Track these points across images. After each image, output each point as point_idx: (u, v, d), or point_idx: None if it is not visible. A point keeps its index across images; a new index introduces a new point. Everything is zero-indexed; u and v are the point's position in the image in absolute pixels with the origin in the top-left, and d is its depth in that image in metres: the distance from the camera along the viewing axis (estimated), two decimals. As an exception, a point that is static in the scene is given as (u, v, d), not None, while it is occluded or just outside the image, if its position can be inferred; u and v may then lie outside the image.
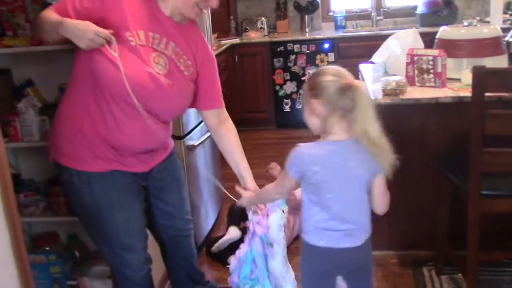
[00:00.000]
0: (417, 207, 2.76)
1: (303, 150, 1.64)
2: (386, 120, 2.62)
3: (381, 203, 1.77)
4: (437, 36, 2.86)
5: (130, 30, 1.68)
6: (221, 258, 2.81)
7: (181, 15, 1.77)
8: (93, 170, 1.75)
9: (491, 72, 1.98)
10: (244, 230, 2.71)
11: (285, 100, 5.46)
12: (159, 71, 1.72)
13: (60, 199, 2.36)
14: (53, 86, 2.38)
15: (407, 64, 2.67)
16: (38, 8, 2.28)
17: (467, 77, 2.38)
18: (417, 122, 2.61)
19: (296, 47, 5.31)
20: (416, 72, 2.64)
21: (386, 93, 2.51)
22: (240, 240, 2.12)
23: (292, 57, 5.34)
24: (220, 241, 2.90)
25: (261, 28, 5.67)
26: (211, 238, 3.11)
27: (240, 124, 5.48)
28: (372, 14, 5.57)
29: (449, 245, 2.49)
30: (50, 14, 1.68)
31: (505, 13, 4.85)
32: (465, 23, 2.78)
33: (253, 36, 5.57)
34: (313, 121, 1.66)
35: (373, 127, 1.61)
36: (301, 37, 5.38)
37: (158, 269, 2.38)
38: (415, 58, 2.62)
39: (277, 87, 5.44)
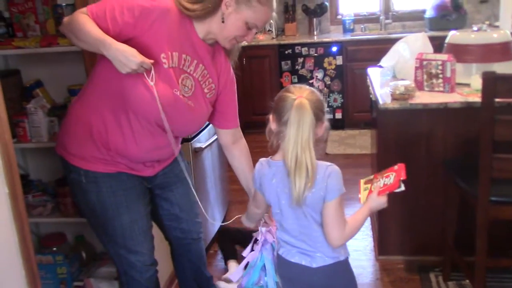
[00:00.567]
0: (424, 212, 2.74)
1: (256, 166, 1.66)
2: (395, 125, 2.65)
3: (332, 235, 1.56)
4: (446, 41, 2.85)
5: (166, 52, 1.66)
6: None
7: (214, 40, 1.77)
8: (100, 171, 1.75)
9: (501, 78, 1.97)
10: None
11: (293, 103, 5.45)
12: (185, 93, 1.73)
13: (67, 200, 2.38)
14: (62, 87, 2.39)
15: (416, 68, 2.66)
16: (48, 9, 2.30)
17: (477, 82, 2.37)
18: (426, 127, 2.60)
19: (304, 50, 5.31)
20: (425, 76, 2.63)
21: (394, 97, 2.50)
22: None
23: (300, 60, 5.33)
24: (223, 278, 2.79)
25: (269, 30, 5.67)
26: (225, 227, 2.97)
27: (248, 126, 5.50)
28: (381, 17, 5.55)
29: (456, 251, 2.47)
30: (88, 24, 1.60)
31: (514, 17, 4.82)
32: (475, 28, 2.76)
33: (261, 38, 5.57)
34: (272, 138, 1.61)
35: (298, 152, 1.49)
36: (309, 40, 5.37)
37: (166, 268, 2.38)
38: (424, 62, 2.61)
39: (285, 90, 5.43)
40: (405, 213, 2.77)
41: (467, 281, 2.52)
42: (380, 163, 2.64)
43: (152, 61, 1.60)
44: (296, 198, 1.52)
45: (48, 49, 2.18)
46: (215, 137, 2.93)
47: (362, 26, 5.62)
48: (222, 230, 3.03)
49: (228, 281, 2.62)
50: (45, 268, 2.43)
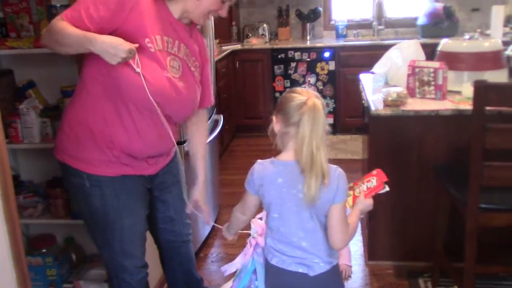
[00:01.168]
0: (414, 218, 2.76)
1: (256, 167, 1.63)
2: (386, 131, 2.66)
3: (337, 237, 1.59)
4: (438, 48, 2.87)
5: (149, 37, 1.69)
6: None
7: (188, 19, 1.81)
8: (104, 174, 1.76)
9: (492, 87, 1.99)
10: None
11: (285, 107, 5.46)
12: (175, 74, 1.76)
13: (58, 202, 2.37)
14: (55, 88, 2.38)
15: (408, 75, 2.69)
16: (42, 10, 2.29)
17: (468, 90, 2.39)
18: (417, 133, 2.62)
19: (297, 55, 5.32)
20: (417, 83, 2.65)
21: (387, 104, 2.52)
22: None
23: (293, 64, 5.35)
24: None
25: (262, 34, 5.69)
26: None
27: (240, 129, 5.51)
28: (373, 23, 5.59)
29: (445, 257, 2.49)
30: (68, 27, 1.61)
31: (505, 26, 4.87)
32: (467, 36, 2.79)
33: (255, 42, 5.58)
34: (275, 140, 1.63)
35: (311, 152, 1.50)
36: (302, 45, 5.39)
37: (155, 273, 2.38)
38: (417, 69, 2.64)
39: (277, 94, 5.45)
40: (395, 219, 2.79)
41: (456, 287, 2.54)
42: (371, 169, 2.61)
43: (137, 45, 1.62)
44: (309, 198, 1.51)
45: (41, 50, 2.17)
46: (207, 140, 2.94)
47: (355, 32, 5.66)
48: None
49: None
50: (35, 270, 2.42)
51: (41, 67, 2.44)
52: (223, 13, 1.83)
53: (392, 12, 5.62)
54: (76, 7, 1.66)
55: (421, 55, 2.92)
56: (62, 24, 1.62)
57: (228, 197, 3.69)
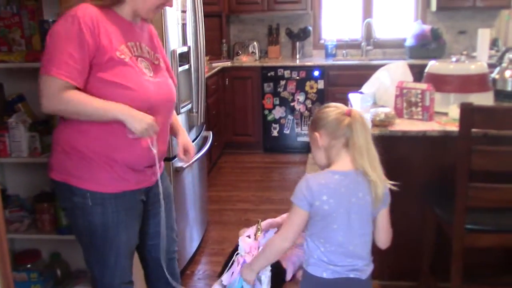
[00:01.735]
0: (401, 238, 2.74)
1: (311, 180, 1.63)
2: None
3: (384, 237, 1.79)
4: (426, 70, 2.92)
5: (118, 49, 1.73)
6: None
7: (139, 17, 1.85)
8: (108, 191, 1.78)
9: (478, 109, 2.02)
10: None
11: (274, 125, 5.49)
12: (150, 74, 1.82)
13: (45, 217, 2.35)
14: (44, 102, 2.37)
15: (396, 96, 2.72)
16: (34, 24, 2.30)
17: (455, 112, 2.43)
18: (404, 153, 2.64)
19: (287, 73, 5.37)
20: (404, 104, 2.68)
21: (375, 124, 2.55)
22: None
23: (282, 82, 5.39)
24: None
25: (252, 52, 5.73)
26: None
27: (228, 146, 5.52)
28: (362, 44, 5.66)
29: (432, 277, 2.50)
30: (85, 100, 1.67)
31: (491, 48, 4.98)
32: (453, 59, 2.84)
33: (245, 60, 5.62)
34: (318, 155, 1.71)
35: (369, 157, 1.64)
36: (291, 63, 5.45)
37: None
38: (404, 91, 2.67)
39: (266, 112, 5.48)
40: (382, 238, 2.79)
41: (442, 307, 2.55)
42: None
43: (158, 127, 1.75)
44: (378, 202, 1.66)
45: (32, 64, 2.18)
46: (197, 156, 2.94)
47: (344, 51, 5.73)
48: None
49: None
50: (19, 285, 2.39)
51: (32, 81, 2.41)
52: (170, 4, 1.88)
53: (381, 33, 5.70)
54: (60, 59, 1.64)
55: (409, 76, 2.96)
56: (75, 97, 1.67)
57: (215, 213, 3.68)
